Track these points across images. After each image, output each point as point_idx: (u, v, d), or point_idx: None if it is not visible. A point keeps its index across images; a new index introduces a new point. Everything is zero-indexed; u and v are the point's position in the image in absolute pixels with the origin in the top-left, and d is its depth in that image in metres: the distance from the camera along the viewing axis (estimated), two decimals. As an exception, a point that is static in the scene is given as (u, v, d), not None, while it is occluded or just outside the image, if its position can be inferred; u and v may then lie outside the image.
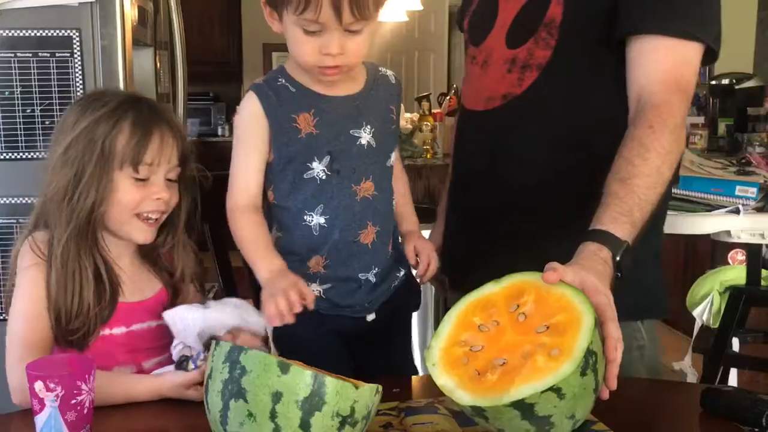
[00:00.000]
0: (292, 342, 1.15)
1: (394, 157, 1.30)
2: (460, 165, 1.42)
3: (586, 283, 0.93)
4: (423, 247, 1.31)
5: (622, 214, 1.05)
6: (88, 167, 1.13)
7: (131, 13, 1.94)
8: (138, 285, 1.24)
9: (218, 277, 1.44)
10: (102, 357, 1.13)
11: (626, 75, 1.18)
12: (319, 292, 1.24)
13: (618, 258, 1.01)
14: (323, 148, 1.18)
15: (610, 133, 1.15)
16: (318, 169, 1.19)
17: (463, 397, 0.87)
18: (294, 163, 1.19)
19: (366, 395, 0.88)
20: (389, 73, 1.30)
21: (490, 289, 0.97)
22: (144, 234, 1.20)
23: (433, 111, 3.99)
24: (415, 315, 1.41)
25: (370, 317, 1.28)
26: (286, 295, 1.07)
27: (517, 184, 1.27)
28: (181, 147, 1.20)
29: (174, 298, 1.26)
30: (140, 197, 1.16)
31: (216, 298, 1.25)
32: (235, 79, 5.98)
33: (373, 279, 1.27)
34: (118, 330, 1.20)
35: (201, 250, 1.40)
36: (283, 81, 1.19)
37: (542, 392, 0.82)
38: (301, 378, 0.84)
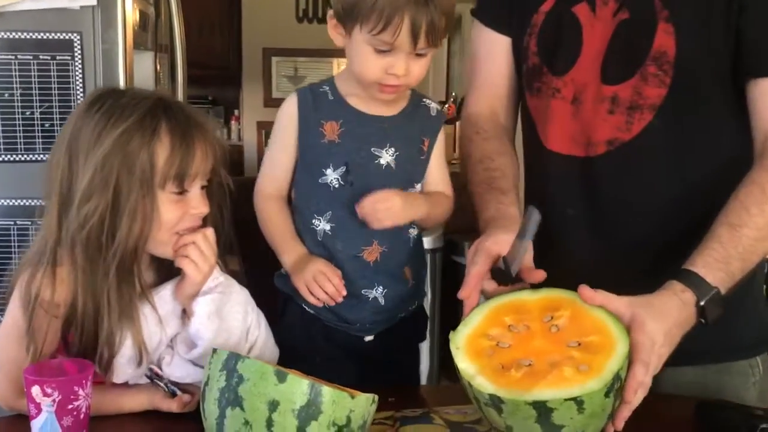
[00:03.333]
0: (296, 352, 1.19)
1: (418, 188, 1.31)
2: (551, 212, 1.20)
3: (636, 318, 0.90)
4: None
5: (718, 260, 0.98)
6: (131, 191, 0.97)
7: (132, 17, 1.94)
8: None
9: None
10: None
11: (750, 115, 1.09)
12: (325, 302, 1.25)
13: (702, 303, 0.96)
14: (341, 158, 1.23)
15: (735, 184, 1.05)
16: (331, 176, 1.23)
17: (485, 384, 0.87)
18: (312, 166, 1.24)
19: (362, 405, 0.88)
20: (432, 105, 1.32)
21: (525, 296, 0.97)
22: None
23: (431, 118, 4.00)
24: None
25: (368, 338, 1.30)
26: (325, 278, 1.20)
27: (625, 235, 1.17)
28: (215, 155, 1.07)
29: None
30: (180, 214, 1.04)
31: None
32: (234, 82, 5.97)
33: (381, 300, 1.28)
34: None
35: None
36: (327, 88, 1.26)
37: (565, 400, 0.83)
38: (298, 387, 0.85)
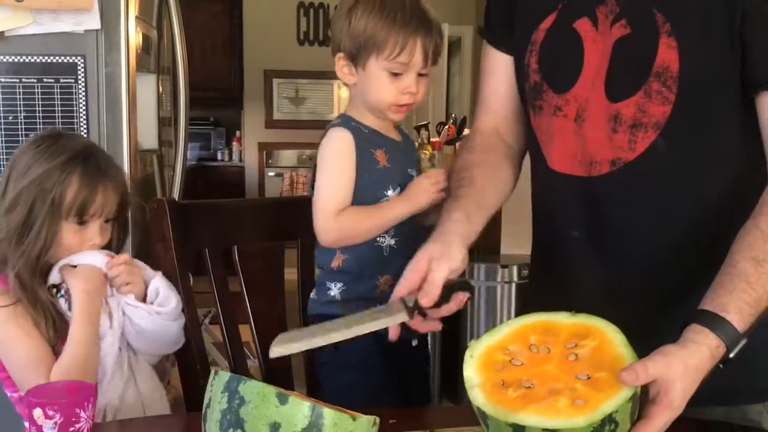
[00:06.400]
0: (355, 366, 1.32)
1: None
2: (550, 231, 1.22)
3: (668, 393, 0.84)
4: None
5: (749, 304, 0.91)
6: (40, 214, 1.22)
7: (135, 41, 1.97)
8: None
9: (216, 302, 1.44)
10: None
11: (761, 130, 1.03)
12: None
13: (731, 356, 0.89)
14: (396, 180, 1.36)
15: (744, 206, 1.00)
16: (392, 197, 1.36)
17: (477, 397, 0.88)
18: (372, 190, 1.34)
19: (363, 427, 0.88)
20: (406, 131, 1.48)
21: (561, 318, 0.95)
22: None
23: (432, 140, 4.03)
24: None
25: (414, 342, 1.39)
26: (435, 182, 1.32)
27: (632, 259, 1.12)
28: (120, 197, 1.30)
29: None
30: (78, 242, 1.26)
31: (213, 322, 1.28)
32: (236, 104, 6.02)
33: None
34: None
35: (199, 275, 1.41)
36: (356, 124, 1.36)
37: (544, 429, 0.82)
38: (300, 409, 0.85)
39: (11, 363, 1.21)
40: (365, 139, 1.34)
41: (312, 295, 1.41)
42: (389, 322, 1.03)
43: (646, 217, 1.10)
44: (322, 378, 1.39)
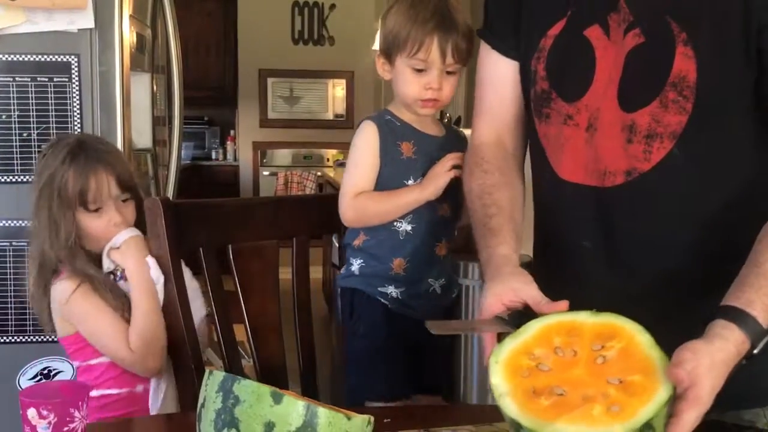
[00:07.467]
0: (364, 327, 1.49)
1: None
2: (558, 240, 1.21)
3: (701, 393, 0.83)
4: None
5: None
6: (55, 210, 1.39)
7: (130, 40, 1.97)
8: None
9: (211, 301, 1.44)
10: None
11: None
12: (397, 294, 1.49)
13: (756, 351, 0.89)
14: (419, 171, 1.47)
15: (756, 214, 1.01)
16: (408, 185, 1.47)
17: (510, 406, 0.86)
18: (394, 179, 1.47)
19: (358, 426, 0.88)
20: (459, 130, 1.64)
21: (583, 318, 0.93)
22: None
23: (426, 139, 4.03)
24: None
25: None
26: (446, 164, 1.45)
27: (646, 270, 1.11)
28: (118, 177, 1.43)
29: None
30: (102, 226, 1.42)
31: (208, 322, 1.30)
32: (230, 103, 6.00)
33: (438, 290, 1.52)
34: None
35: (194, 274, 1.41)
36: (389, 117, 1.49)
37: None
38: (294, 408, 0.85)
39: (94, 333, 1.39)
40: (393, 132, 1.46)
41: (342, 270, 1.57)
42: (496, 329, 1.01)
43: (659, 226, 1.09)
44: (345, 340, 1.57)
